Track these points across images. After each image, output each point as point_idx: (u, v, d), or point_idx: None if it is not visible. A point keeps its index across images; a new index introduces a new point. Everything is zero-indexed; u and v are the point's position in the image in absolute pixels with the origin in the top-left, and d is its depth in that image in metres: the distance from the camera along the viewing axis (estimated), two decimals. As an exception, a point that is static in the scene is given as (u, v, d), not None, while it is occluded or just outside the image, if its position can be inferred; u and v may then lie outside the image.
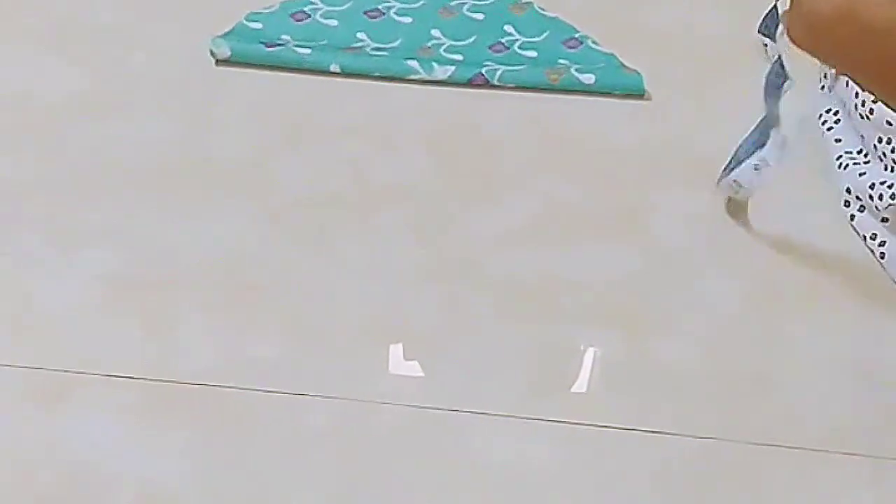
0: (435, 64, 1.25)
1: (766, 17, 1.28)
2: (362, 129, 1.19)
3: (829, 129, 1.18)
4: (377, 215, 1.12)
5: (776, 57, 1.22)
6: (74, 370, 1.00)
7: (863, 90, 1.09)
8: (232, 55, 1.25)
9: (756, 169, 1.09)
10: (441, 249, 1.10)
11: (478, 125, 1.18)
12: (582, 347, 1.04)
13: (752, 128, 1.13)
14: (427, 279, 1.08)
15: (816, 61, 0.90)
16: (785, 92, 1.21)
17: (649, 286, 1.08)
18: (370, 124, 1.19)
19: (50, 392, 0.99)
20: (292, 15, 1.31)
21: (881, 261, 1.10)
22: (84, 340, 1.02)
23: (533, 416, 0.99)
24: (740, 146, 1.12)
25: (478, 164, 1.17)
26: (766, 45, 1.26)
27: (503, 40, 1.30)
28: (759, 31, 1.27)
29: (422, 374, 1.02)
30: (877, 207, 1.10)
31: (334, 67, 1.25)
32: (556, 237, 1.11)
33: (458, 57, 1.27)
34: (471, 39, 1.30)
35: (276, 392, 1.00)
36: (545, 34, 1.31)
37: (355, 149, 1.17)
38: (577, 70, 1.25)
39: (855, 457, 0.98)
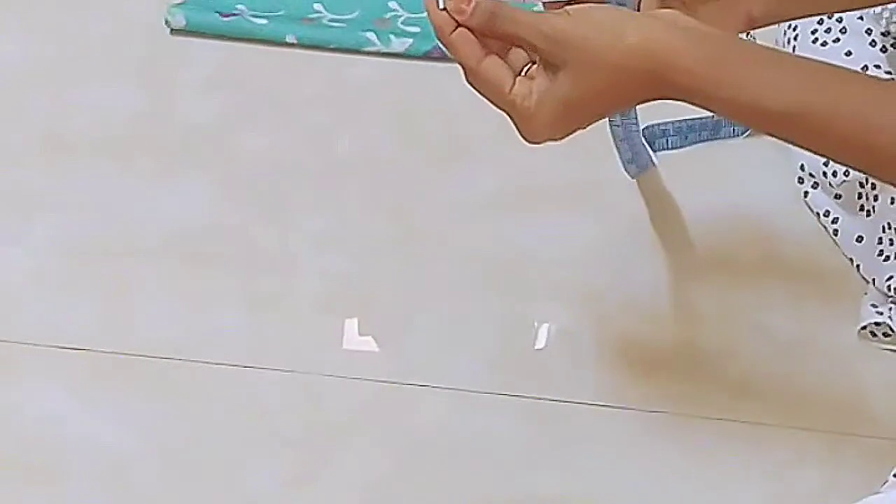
0: (392, 36, 1.24)
1: None
2: (321, 100, 1.18)
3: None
4: (337, 187, 1.12)
5: None
6: (29, 341, 0.99)
7: None
8: (187, 24, 1.24)
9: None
10: (402, 222, 1.10)
11: (437, 98, 1.18)
12: (544, 321, 1.05)
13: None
14: (388, 252, 1.08)
15: None
16: None
17: (611, 260, 1.09)
18: (329, 96, 1.19)
19: (2, 363, 0.98)
20: (248, -16, 1.29)
21: (834, 237, 1.11)
22: (39, 311, 1.02)
23: (494, 391, 0.99)
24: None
25: (437, 136, 1.17)
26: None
27: (460, 13, 1.29)
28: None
29: (383, 347, 1.02)
30: (830, 184, 1.11)
31: (291, 38, 1.24)
32: (518, 210, 1.11)
33: (416, 29, 1.26)
34: (428, 12, 1.29)
35: (233, 365, 1.00)
36: (502, 7, 1.30)
37: (314, 120, 1.17)
38: (534, 44, 1.25)
39: (809, 431, 0.99)
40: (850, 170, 1.09)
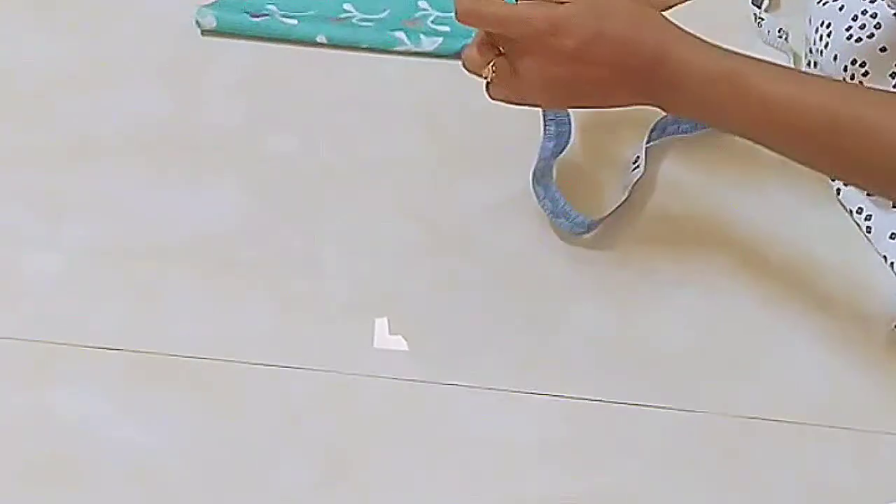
0: (422, 35, 1.24)
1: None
2: (350, 100, 1.18)
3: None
4: (366, 187, 1.12)
5: None
6: (61, 342, 1.00)
7: None
8: (217, 25, 1.24)
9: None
10: (431, 222, 1.10)
11: (466, 97, 1.17)
12: (574, 319, 1.04)
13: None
14: (417, 251, 1.08)
15: None
16: None
17: (640, 258, 1.08)
18: (358, 96, 1.19)
19: (36, 364, 0.99)
20: (278, -16, 1.29)
21: (867, 234, 1.10)
22: (71, 312, 1.02)
23: (520, 390, 0.99)
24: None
25: (467, 136, 1.16)
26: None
27: (490, 12, 1.29)
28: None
29: (409, 347, 1.02)
30: (863, 181, 1.10)
31: (321, 38, 1.24)
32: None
33: (446, 29, 1.26)
34: (458, 11, 1.29)
35: (263, 364, 1.00)
36: (532, 6, 1.30)
37: (343, 121, 1.17)
38: (564, 42, 1.24)
39: (842, 430, 0.99)
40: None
